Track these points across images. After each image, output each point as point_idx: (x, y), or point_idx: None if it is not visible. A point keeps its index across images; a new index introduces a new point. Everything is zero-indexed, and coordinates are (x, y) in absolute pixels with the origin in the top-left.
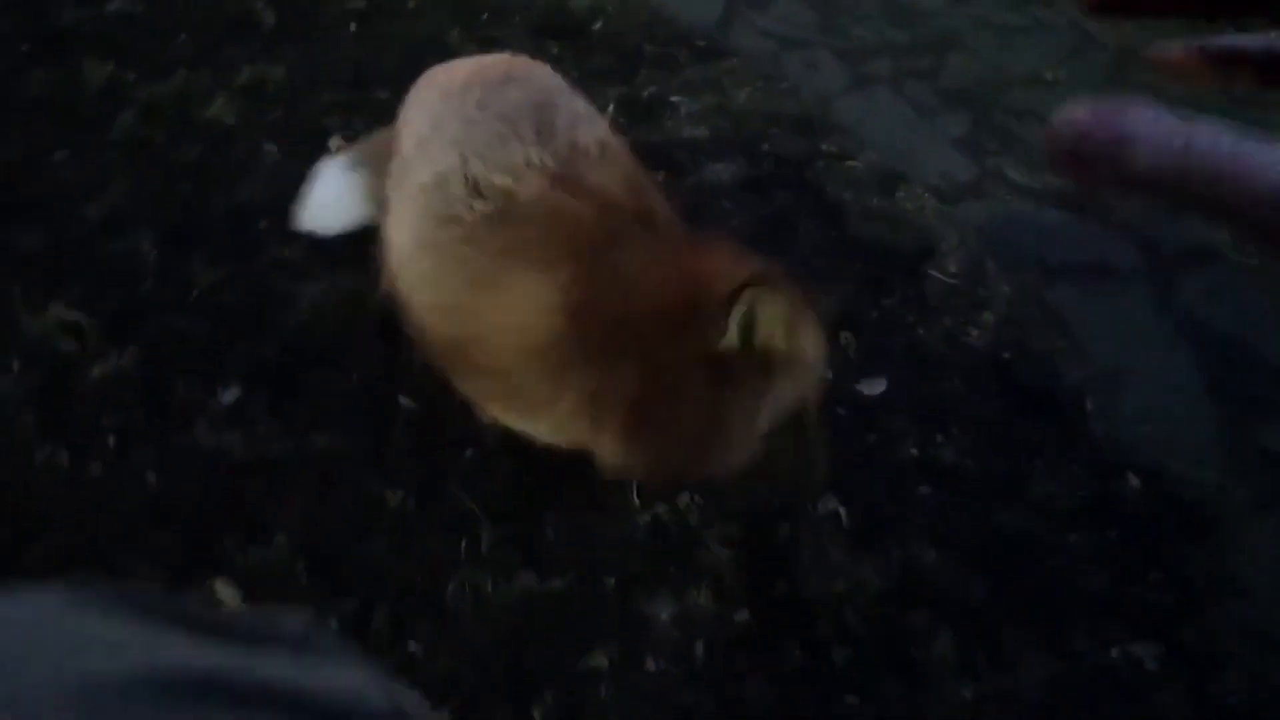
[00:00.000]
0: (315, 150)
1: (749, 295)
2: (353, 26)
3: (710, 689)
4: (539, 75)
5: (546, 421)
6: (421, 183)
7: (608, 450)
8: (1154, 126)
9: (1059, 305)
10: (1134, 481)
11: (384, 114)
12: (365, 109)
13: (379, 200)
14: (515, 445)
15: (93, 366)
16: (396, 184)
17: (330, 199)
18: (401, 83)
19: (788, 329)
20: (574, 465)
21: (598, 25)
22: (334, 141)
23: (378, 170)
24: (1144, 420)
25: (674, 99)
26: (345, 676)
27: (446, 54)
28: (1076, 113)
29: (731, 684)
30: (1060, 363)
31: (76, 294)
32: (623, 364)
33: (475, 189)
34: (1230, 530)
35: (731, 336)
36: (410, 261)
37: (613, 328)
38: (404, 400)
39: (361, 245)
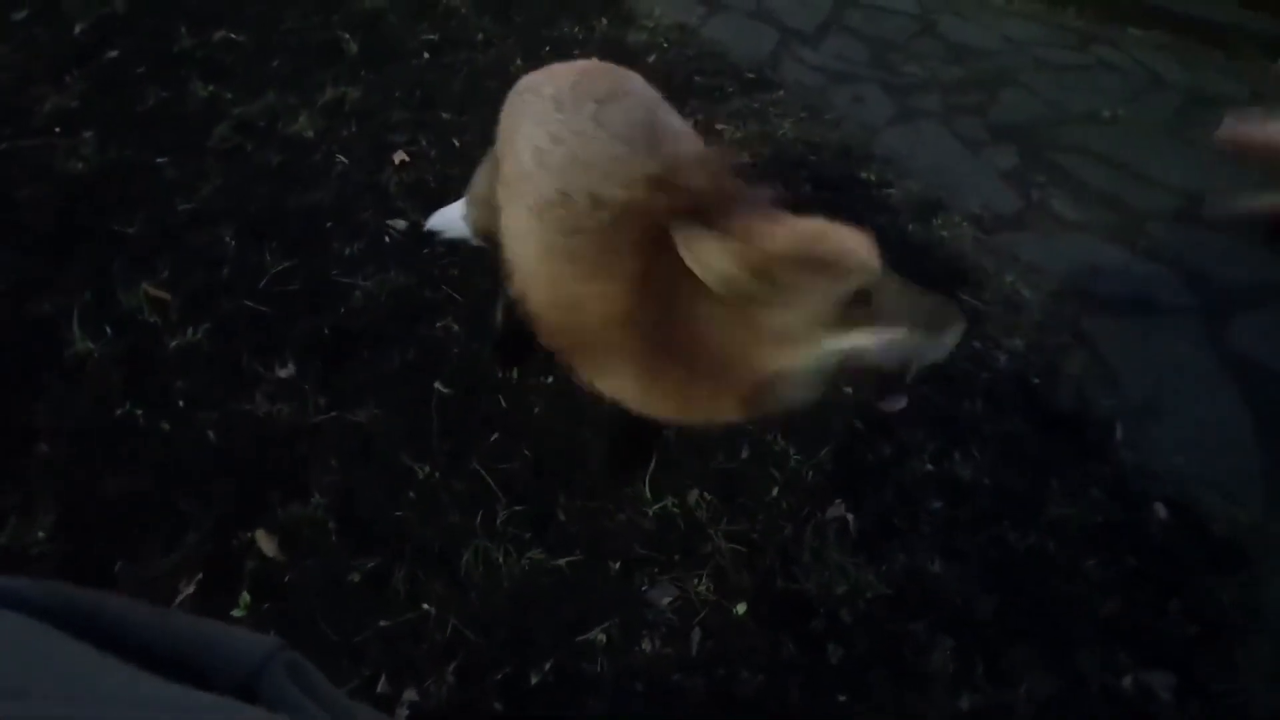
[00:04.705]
0: (380, 163)
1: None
2: (425, 55)
3: (702, 673)
4: (639, 88)
5: (624, 380)
6: (547, 199)
7: (657, 400)
8: None
9: (1094, 335)
10: (1162, 512)
11: (446, 133)
12: (429, 128)
13: (488, 210)
14: (538, 431)
15: (172, 338)
16: (515, 194)
17: (453, 216)
18: (464, 106)
19: (735, 264)
20: (590, 455)
21: (652, 58)
22: (398, 155)
23: (483, 203)
24: (1178, 452)
25: (719, 126)
26: None
27: (509, 82)
28: (1235, 124)
29: (723, 671)
30: (1091, 390)
31: (165, 275)
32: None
33: (598, 202)
34: (1263, 567)
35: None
36: (538, 264)
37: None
38: (439, 385)
39: (411, 251)
